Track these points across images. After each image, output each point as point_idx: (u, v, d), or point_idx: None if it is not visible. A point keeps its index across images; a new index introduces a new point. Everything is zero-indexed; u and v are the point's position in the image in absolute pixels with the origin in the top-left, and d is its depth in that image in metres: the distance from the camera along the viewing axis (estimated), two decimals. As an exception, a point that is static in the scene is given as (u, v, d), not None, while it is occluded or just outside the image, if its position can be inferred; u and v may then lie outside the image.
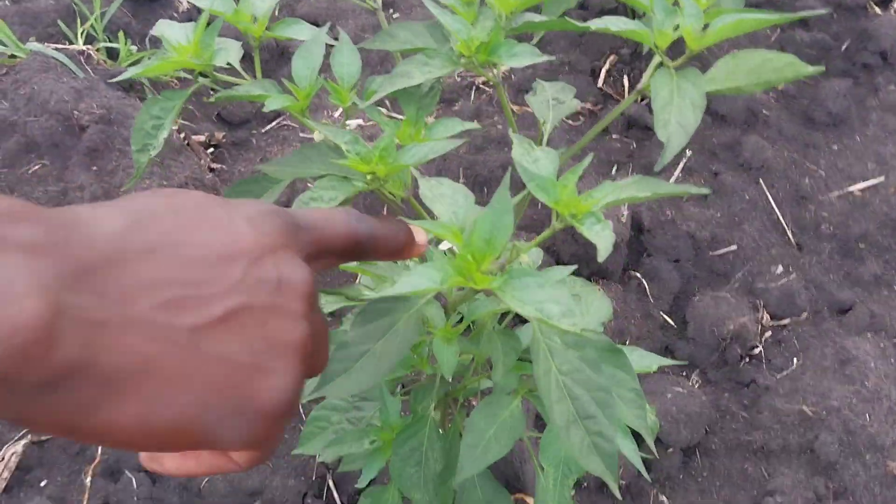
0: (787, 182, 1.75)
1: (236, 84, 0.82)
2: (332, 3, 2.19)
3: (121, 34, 1.82)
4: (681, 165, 1.74)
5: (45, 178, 1.47)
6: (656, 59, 0.77)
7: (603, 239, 0.61)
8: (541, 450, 1.01)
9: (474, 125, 0.73)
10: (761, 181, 1.73)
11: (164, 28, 0.86)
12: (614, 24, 0.73)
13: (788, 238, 1.69)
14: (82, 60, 1.70)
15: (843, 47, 1.99)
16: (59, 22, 1.87)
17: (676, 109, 0.71)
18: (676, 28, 0.74)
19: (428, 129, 0.74)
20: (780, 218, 1.70)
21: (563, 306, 0.59)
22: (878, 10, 2.06)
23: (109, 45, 1.88)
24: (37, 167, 1.48)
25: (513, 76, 2.00)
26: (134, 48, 1.90)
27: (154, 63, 0.81)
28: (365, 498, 1.20)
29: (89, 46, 1.75)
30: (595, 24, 0.73)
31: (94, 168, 1.46)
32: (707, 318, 1.55)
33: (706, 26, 0.75)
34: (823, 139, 1.83)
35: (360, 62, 0.80)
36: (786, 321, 1.57)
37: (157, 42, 2.03)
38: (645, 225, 1.64)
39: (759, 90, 0.82)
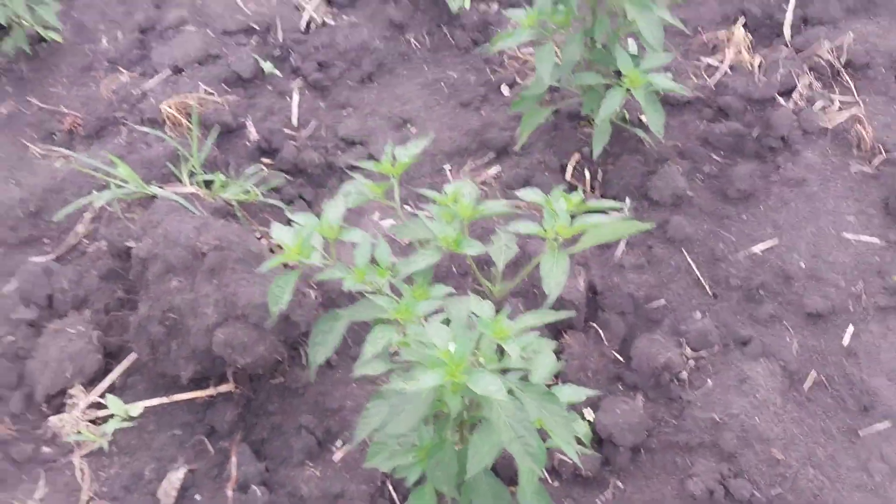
0: (706, 247, 2.39)
1: (325, 267, 1.49)
2: (365, 125, 2.87)
3: (218, 175, 2.52)
4: (623, 242, 2.40)
5: (182, 290, 2.16)
6: (549, 241, 1.43)
7: (512, 352, 1.28)
8: (516, 457, 1.66)
9: (450, 289, 1.40)
10: (684, 250, 2.37)
11: (279, 232, 1.54)
12: (523, 227, 1.38)
13: (706, 290, 2.33)
14: (193, 199, 2.40)
15: (754, 134, 2.62)
16: (168, 164, 2.59)
17: (555, 274, 1.37)
18: (556, 227, 1.40)
19: (429, 290, 1.41)
20: (699, 276, 2.34)
21: (497, 386, 1.25)
22: (782, 100, 2.68)
23: (206, 177, 2.59)
24: (175, 283, 2.17)
25: (503, 175, 2.66)
26: (222, 176, 2.60)
27: (276, 259, 1.50)
28: (413, 495, 1.87)
29: (197, 188, 2.45)
30: (514, 227, 1.39)
31: (214, 281, 2.16)
32: (645, 354, 2.19)
33: (574, 220, 1.40)
34: (735, 211, 2.47)
35: (390, 250, 1.48)
36: (703, 353, 2.22)
37: (237, 169, 2.72)
38: (598, 288, 2.30)
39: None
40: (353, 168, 2.72)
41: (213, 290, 2.16)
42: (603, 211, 1.74)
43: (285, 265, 2.03)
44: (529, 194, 1.50)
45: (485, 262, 2.24)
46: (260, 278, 2.19)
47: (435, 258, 1.40)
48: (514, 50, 3.08)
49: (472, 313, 1.30)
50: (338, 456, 2.16)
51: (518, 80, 3.01)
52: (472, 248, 1.39)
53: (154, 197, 2.53)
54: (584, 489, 2.09)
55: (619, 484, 2.09)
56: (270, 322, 1.90)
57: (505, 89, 2.99)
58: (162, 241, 2.20)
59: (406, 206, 2.63)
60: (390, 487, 2.09)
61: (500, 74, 3.04)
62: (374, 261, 1.46)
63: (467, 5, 3.19)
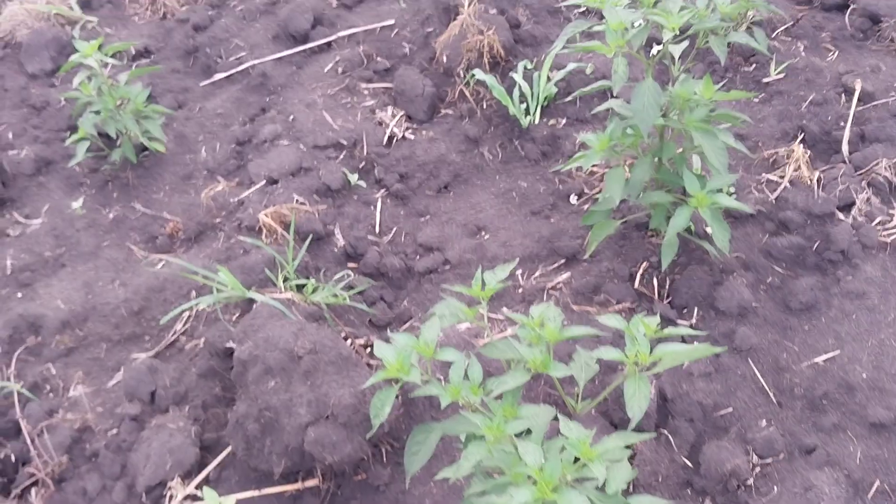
0: (770, 357, 2.50)
1: (423, 383, 1.65)
2: (442, 232, 3.08)
3: (310, 281, 2.73)
4: (692, 351, 2.52)
5: (278, 391, 2.35)
6: (630, 366, 1.57)
7: (599, 473, 1.41)
8: None
9: (537, 409, 1.54)
10: (750, 360, 2.49)
11: (382, 350, 1.71)
12: (605, 354, 1.53)
13: (771, 399, 2.43)
14: (289, 304, 2.61)
15: (814, 247, 2.74)
16: (266, 270, 2.81)
17: (638, 399, 1.51)
18: (637, 353, 1.54)
19: (517, 409, 1.56)
20: (765, 385, 2.45)
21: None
22: (841, 215, 2.81)
23: (299, 281, 2.80)
24: (272, 384, 2.36)
25: (573, 282, 2.82)
26: (314, 281, 2.81)
27: (379, 374, 1.66)
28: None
29: (291, 292, 2.66)
30: (598, 354, 1.54)
31: (308, 383, 2.34)
32: (714, 460, 2.29)
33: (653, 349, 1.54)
34: (798, 322, 2.58)
35: (482, 369, 1.64)
36: (769, 460, 2.30)
37: (326, 273, 2.92)
38: (668, 396, 2.42)
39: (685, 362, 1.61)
40: (436, 273, 2.92)
41: (306, 390, 2.33)
42: (681, 337, 1.88)
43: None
44: (612, 321, 1.65)
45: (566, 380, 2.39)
46: (348, 380, 2.36)
47: (524, 379, 1.55)
48: (583, 167, 3.28)
49: (560, 433, 1.44)
50: (417, 553, 2.28)
51: (585, 190, 3.20)
52: (558, 371, 1.55)
53: (251, 301, 2.74)
54: None
55: (690, 589, 2.16)
56: (370, 433, 2.06)
57: (573, 198, 3.18)
58: (262, 345, 2.40)
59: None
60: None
61: (569, 185, 3.23)
62: (466, 376, 1.62)
63: (536, 121, 3.42)
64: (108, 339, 2.88)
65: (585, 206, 3.14)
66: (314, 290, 2.79)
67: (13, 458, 2.57)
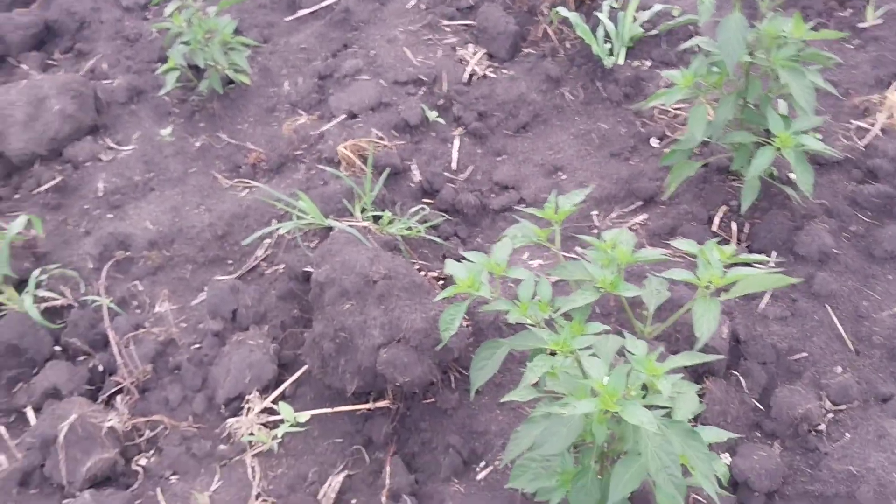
0: (850, 304, 2.45)
1: (492, 300, 1.68)
2: (519, 171, 3.08)
3: (386, 212, 2.78)
4: (768, 294, 2.48)
5: (353, 313, 2.41)
6: (701, 289, 1.56)
7: (663, 388, 1.42)
8: (656, 490, 1.77)
9: (606, 327, 1.56)
10: (828, 306, 2.44)
11: (453, 267, 1.74)
12: (676, 275, 1.53)
13: (848, 346, 2.38)
14: (365, 233, 2.67)
15: (904, 196, 2.65)
16: (343, 200, 2.87)
17: (707, 320, 1.51)
18: (710, 275, 1.53)
19: (585, 327, 1.57)
20: (842, 332, 2.39)
21: (648, 417, 1.40)
22: (935, 163, 2.70)
23: (375, 213, 2.85)
24: (348, 306, 2.42)
25: (650, 224, 2.79)
26: (390, 213, 2.85)
27: (450, 290, 1.70)
28: (552, 516, 2.01)
29: (368, 223, 2.72)
30: (668, 275, 1.54)
31: (382, 307, 2.40)
32: (785, 404, 2.27)
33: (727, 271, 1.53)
34: (881, 271, 2.51)
35: (551, 287, 1.65)
36: (842, 407, 2.27)
37: (401, 207, 2.97)
38: (741, 337, 2.39)
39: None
40: (511, 211, 2.93)
41: (380, 314, 2.39)
42: (750, 264, 1.86)
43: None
44: (684, 244, 1.64)
45: (632, 306, 2.39)
46: (420, 306, 2.40)
47: (592, 297, 1.57)
48: (665, 105, 3.22)
49: (626, 350, 1.45)
50: (481, 475, 2.33)
51: (667, 133, 3.14)
52: (629, 291, 1.55)
53: (329, 229, 2.81)
54: (718, 529, 2.17)
55: (752, 528, 2.16)
56: (440, 346, 2.11)
57: (654, 141, 3.13)
58: (339, 269, 2.46)
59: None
60: (529, 510, 2.24)
61: (650, 127, 3.18)
62: (533, 297, 1.64)
63: (621, 61, 3.36)
64: (193, 261, 2.99)
65: (666, 150, 3.09)
66: (390, 222, 2.83)
67: (100, 368, 2.72)
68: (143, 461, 2.43)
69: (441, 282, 2.78)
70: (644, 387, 1.68)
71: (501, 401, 2.12)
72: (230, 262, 2.99)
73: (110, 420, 2.41)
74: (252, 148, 3.35)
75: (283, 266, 2.87)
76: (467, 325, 2.47)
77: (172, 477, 2.40)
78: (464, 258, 1.74)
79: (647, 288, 1.78)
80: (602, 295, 1.59)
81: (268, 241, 2.99)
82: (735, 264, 1.64)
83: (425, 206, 2.95)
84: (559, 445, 1.55)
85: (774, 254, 2.61)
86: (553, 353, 1.54)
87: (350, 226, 2.65)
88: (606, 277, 1.56)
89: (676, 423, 1.62)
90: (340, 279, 2.45)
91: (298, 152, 3.25)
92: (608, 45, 3.39)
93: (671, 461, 1.50)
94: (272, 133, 3.38)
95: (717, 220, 2.74)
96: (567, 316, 1.60)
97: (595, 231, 2.83)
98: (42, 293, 2.84)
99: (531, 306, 1.59)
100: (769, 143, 2.44)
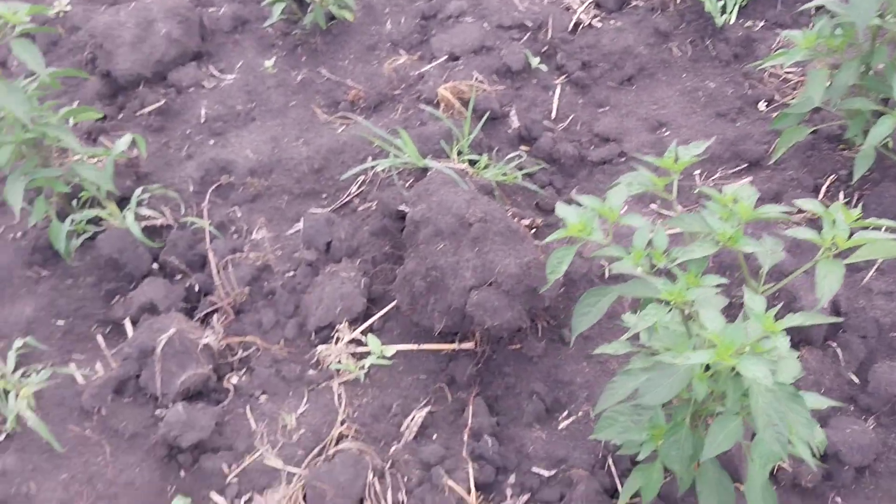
0: (962, 285, 2.35)
1: (604, 245, 1.66)
2: (621, 124, 3.02)
3: (483, 157, 2.76)
4: (875, 267, 2.40)
5: (446, 253, 2.42)
6: (824, 250, 1.52)
7: (781, 344, 1.39)
8: (752, 448, 1.75)
9: (724, 280, 1.53)
10: (938, 284, 2.35)
11: (564, 210, 1.73)
12: (800, 233, 1.48)
13: (956, 328, 2.30)
14: (462, 175, 2.66)
15: None
16: (441, 141, 2.86)
17: (829, 281, 1.47)
18: (834, 237, 1.49)
19: (701, 279, 1.54)
20: (952, 312, 2.31)
21: (765, 372, 1.37)
22: None
23: (471, 157, 2.84)
24: (441, 246, 2.43)
25: (754, 187, 2.72)
26: (486, 157, 2.84)
27: (559, 232, 1.68)
28: (637, 470, 2.01)
29: (466, 165, 2.71)
30: (791, 233, 1.50)
31: (476, 249, 2.40)
32: (884, 380, 2.20)
33: (851, 235, 1.48)
34: None
35: (667, 238, 1.62)
36: (945, 388, 2.20)
37: (498, 153, 2.95)
38: (842, 309, 2.33)
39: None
40: (611, 164, 2.89)
41: (473, 256, 2.39)
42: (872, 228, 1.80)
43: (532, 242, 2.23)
44: (808, 203, 1.59)
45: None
46: (514, 251, 2.40)
47: (711, 250, 1.53)
48: (776, 67, 3.11)
49: (745, 305, 1.43)
50: (563, 425, 2.34)
51: (776, 97, 3.05)
52: (749, 246, 1.52)
53: (425, 170, 2.81)
54: (802, 499, 2.14)
55: (839, 500, 2.12)
56: (545, 288, 2.10)
57: (762, 105, 3.04)
58: (435, 208, 2.47)
59: (653, 205, 2.77)
60: (610, 461, 2.24)
61: (759, 90, 3.09)
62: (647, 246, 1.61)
63: (732, 20, 3.26)
64: (290, 192, 3.03)
65: (774, 115, 3.00)
66: (486, 167, 2.82)
67: (196, 288, 2.79)
68: (234, 379, 2.50)
69: (533, 231, 2.76)
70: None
71: (594, 352, 2.11)
72: (324, 195, 3.02)
73: (206, 337, 2.48)
74: (351, 85, 3.36)
75: (376, 203, 2.89)
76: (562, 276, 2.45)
77: (262, 397, 2.46)
78: (574, 202, 1.72)
79: (762, 247, 1.73)
80: (720, 249, 1.55)
81: (362, 178, 3.01)
82: (863, 228, 1.59)
83: (522, 154, 2.93)
84: (662, 396, 1.54)
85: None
86: (665, 304, 1.52)
87: (447, 167, 2.65)
88: (727, 231, 1.53)
89: (781, 384, 1.59)
90: (436, 219, 2.45)
91: (397, 92, 3.24)
92: (720, 3, 3.28)
93: (779, 419, 1.47)
94: (372, 71, 3.38)
95: (823, 189, 2.66)
96: (681, 269, 1.58)
97: (696, 191, 2.78)
98: (143, 211, 2.91)
99: (643, 251, 1.57)
100: (890, 112, 2.35)
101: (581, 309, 1.72)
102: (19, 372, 2.49)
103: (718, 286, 1.49)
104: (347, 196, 2.98)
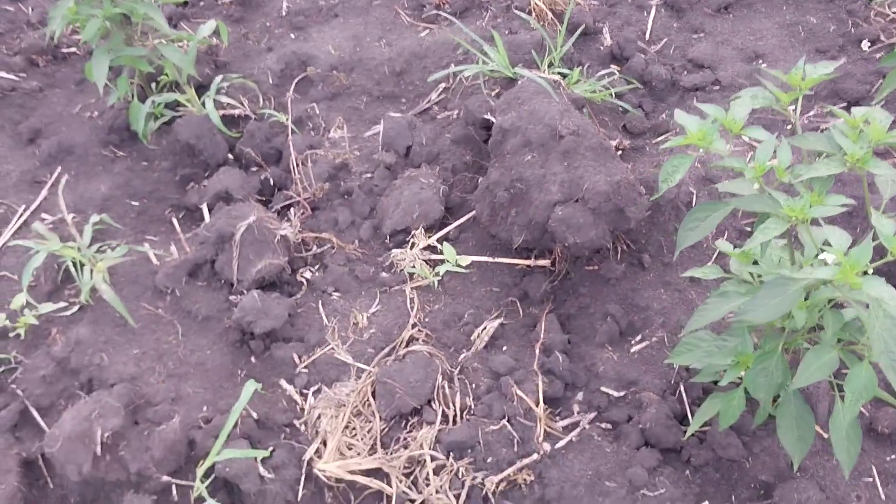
0: None
1: (725, 157, 1.60)
2: (716, 51, 2.91)
3: (574, 71, 2.68)
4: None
5: (533, 165, 2.36)
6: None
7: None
8: (846, 383, 1.69)
9: (851, 201, 1.46)
10: None
11: (684, 118, 1.66)
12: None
13: None
14: (555, 86, 2.58)
15: None
16: (532, 51, 2.78)
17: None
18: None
19: (825, 198, 1.48)
20: None
21: (891, 293, 1.32)
22: None
23: (562, 70, 2.75)
24: (529, 157, 2.37)
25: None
26: (577, 71, 2.75)
27: (678, 140, 1.62)
28: (715, 396, 1.97)
29: (557, 76, 2.63)
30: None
31: (565, 163, 2.34)
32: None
33: None
34: None
35: (791, 153, 1.55)
36: None
37: (588, 69, 2.86)
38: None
39: None
40: (704, 91, 2.80)
41: (561, 170, 2.33)
42: None
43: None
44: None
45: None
46: (604, 168, 2.33)
47: (837, 169, 1.47)
48: (885, 6, 2.97)
49: (876, 225, 1.36)
50: (635, 348, 2.30)
51: (882, 37, 2.91)
52: (879, 168, 1.44)
53: (512, 79, 2.73)
54: (876, 444, 2.10)
55: (914, 450, 2.08)
56: (655, 196, 2.05)
57: (865, 44, 2.91)
58: (526, 117, 2.40)
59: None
60: (682, 388, 2.21)
61: (863, 29, 2.95)
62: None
63: (843, -48, 3.10)
64: (369, 93, 2.98)
65: (878, 55, 2.87)
66: (576, 82, 2.74)
67: (271, 182, 2.77)
68: (307, 274, 2.49)
69: (619, 152, 2.69)
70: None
71: (684, 275, 2.06)
72: (404, 100, 2.97)
73: (283, 229, 2.47)
74: (438, -11, 3.27)
75: (456, 111, 2.83)
76: (646, 198, 2.40)
77: (334, 293, 2.45)
78: (697, 109, 1.65)
79: (880, 178, 1.66)
80: (847, 169, 1.48)
81: (443, 85, 2.94)
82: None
83: (614, 72, 2.84)
84: (769, 315, 1.49)
85: None
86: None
87: (541, 77, 2.57)
88: (855, 152, 1.46)
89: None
90: (526, 129, 2.39)
91: (485, -1, 3.15)
92: (833, -67, 3.12)
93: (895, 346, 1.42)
94: (460, -24, 3.28)
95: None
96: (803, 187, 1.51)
97: (788, 126, 2.68)
98: (222, 99, 2.88)
99: (765, 168, 1.50)
100: None
101: (689, 223, 1.66)
102: (95, 247, 2.50)
103: (844, 206, 1.43)
104: (427, 102, 2.92)
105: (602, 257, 2.44)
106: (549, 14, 2.89)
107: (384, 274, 2.50)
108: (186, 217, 2.75)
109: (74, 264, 2.44)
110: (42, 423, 2.22)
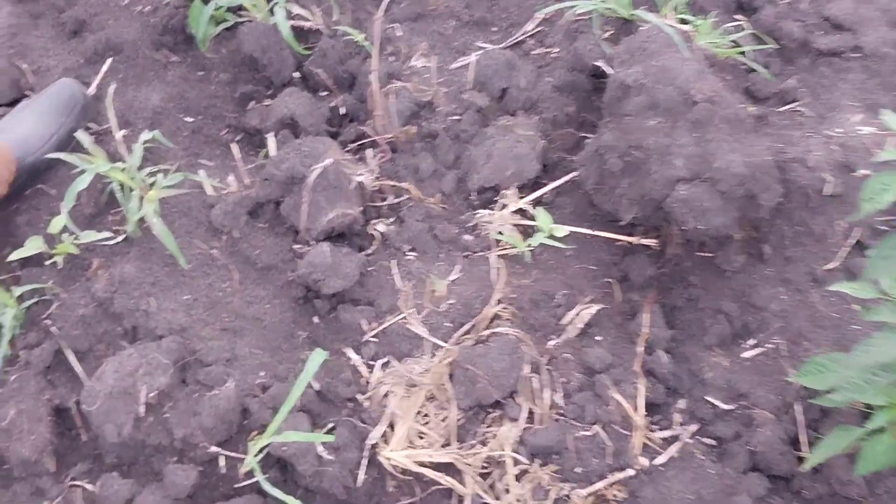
0: None
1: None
2: (856, 10, 2.54)
3: (708, 21, 2.31)
4: None
5: (657, 132, 2.03)
6: None
7: None
8: None
9: None
10: None
11: (893, 119, 1.34)
12: None
13: None
14: (686, 38, 2.22)
15: None
16: (656, -8, 2.41)
17: None
18: None
19: None
20: None
21: None
22: None
23: (683, 16, 2.39)
24: (654, 122, 2.04)
25: None
26: (702, 19, 2.39)
27: (892, 151, 1.31)
28: (842, 429, 1.72)
29: (688, 27, 2.27)
30: None
31: (695, 134, 2.01)
32: None
33: None
34: None
35: None
36: None
37: (719, 18, 2.50)
38: None
39: None
40: (841, 56, 2.44)
41: (690, 142, 2.01)
42: None
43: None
44: None
45: None
46: (740, 145, 2.01)
47: None
48: None
49: None
50: (748, 354, 2.04)
51: None
52: None
53: (627, 21, 2.38)
54: None
55: None
56: (850, 218, 1.75)
57: None
58: (654, 75, 2.06)
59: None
60: (800, 411, 1.94)
61: None
62: None
63: None
64: (457, 17, 2.62)
65: None
66: (701, 34, 2.37)
67: (342, 111, 2.46)
68: (381, 227, 2.21)
69: (742, 120, 2.36)
70: None
71: (830, 288, 1.78)
72: (495, 28, 2.62)
73: (361, 175, 2.17)
74: None
75: (556, 49, 2.48)
76: (781, 184, 2.08)
77: (410, 253, 2.18)
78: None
79: None
80: None
81: (539, 16, 2.58)
82: None
83: (742, 25, 2.48)
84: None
85: None
86: None
87: (669, 25, 2.21)
88: None
89: None
90: (653, 88, 2.06)
91: (598, -80, 2.74)
92: None
93: None
94: None
95: None
96: None
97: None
98: (293, 8, 2.53)
99: None
100: None
101: (884, 250, 1.38)
102: (145, 170, 2.20)
103: None
104: (521, 34, 2.57)
105: (719, 244, 2.15)
106: (677, -52, 2.50)
107: (467, 236, 2.22)
108: (245, 141, 2.45)
109: (122, 187, 2.14)
110: (79, 369, 1.98)
